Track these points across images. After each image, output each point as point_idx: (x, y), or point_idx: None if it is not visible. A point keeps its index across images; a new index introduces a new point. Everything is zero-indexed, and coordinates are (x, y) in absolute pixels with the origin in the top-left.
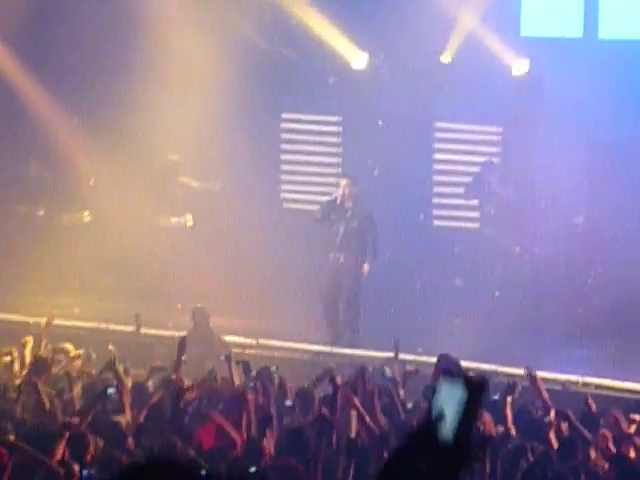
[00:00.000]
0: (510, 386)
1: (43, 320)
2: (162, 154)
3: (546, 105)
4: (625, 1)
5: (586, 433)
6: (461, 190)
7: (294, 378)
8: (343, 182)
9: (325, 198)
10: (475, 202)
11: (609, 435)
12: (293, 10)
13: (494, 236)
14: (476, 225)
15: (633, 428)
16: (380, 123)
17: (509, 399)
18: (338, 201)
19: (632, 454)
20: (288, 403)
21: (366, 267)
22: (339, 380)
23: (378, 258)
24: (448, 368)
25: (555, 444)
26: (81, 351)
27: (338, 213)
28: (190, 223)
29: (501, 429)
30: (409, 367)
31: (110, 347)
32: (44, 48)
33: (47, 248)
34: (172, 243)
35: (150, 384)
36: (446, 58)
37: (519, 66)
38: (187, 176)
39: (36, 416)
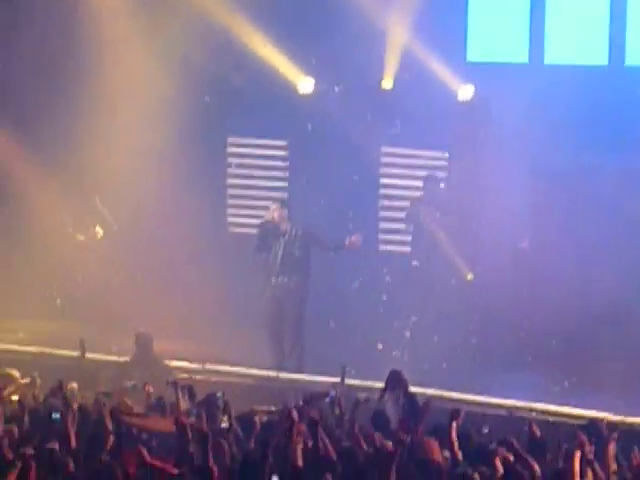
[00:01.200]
0: (454, 412)
1: None
2: (100, 177)
3: (491, 130)
4: (570, 27)
5: (530, 460)
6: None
7: (240, 403)
8: (272, 206)
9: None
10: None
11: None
12: (240, 35)
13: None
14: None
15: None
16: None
17: (454, 424)
18: (271, 225)
19: None
20: (225, 425)
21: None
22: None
23: (324, 282)
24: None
25: (501, 470)
26: (27, 379)
27: (274, 237)
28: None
29: (447, 454)
30: (360, 395)
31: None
32: None
33: None
34: (115, 266)
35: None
36: (388, 84)
37: (465, 91)
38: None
39: None
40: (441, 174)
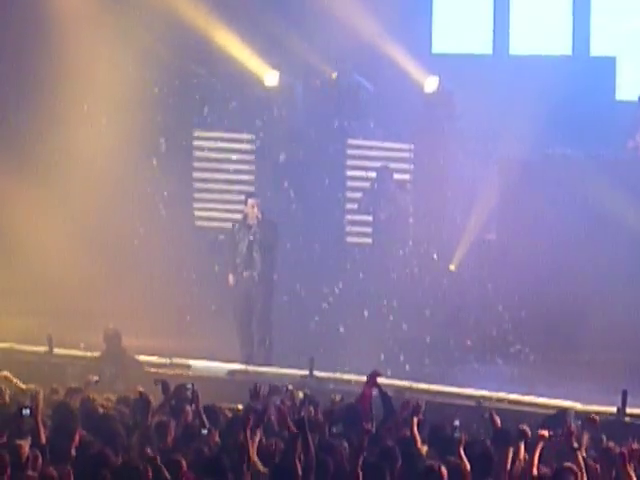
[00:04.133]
0: (415, 407)
1: None
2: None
3: (457, 121)
4: (535, 17)
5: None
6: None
7: (207, 397)
8: (250, 202)
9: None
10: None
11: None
12: (206, 28)
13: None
14: (391, 241)
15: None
16: None
17: (414, 419)
18: (243, 220)
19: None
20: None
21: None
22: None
23: (291, 274)
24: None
25: (466, 462)
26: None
27: (242, 231)
28: None
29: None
30: (335, 396)
31: None
32: None
33: None
34: (83, 262)
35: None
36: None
37: (430, 83)
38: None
39: None
40: (394, 166)
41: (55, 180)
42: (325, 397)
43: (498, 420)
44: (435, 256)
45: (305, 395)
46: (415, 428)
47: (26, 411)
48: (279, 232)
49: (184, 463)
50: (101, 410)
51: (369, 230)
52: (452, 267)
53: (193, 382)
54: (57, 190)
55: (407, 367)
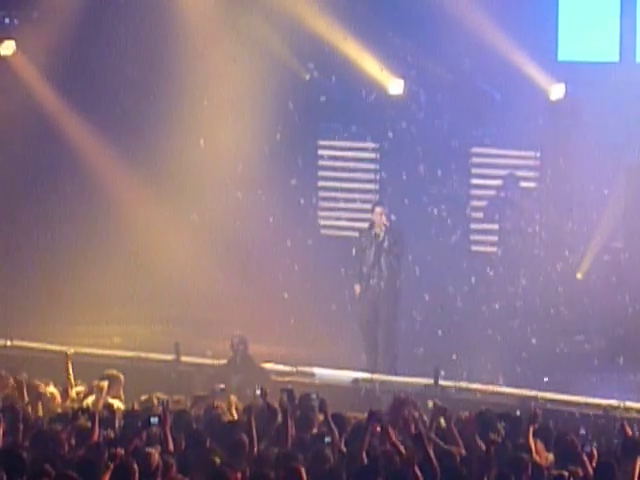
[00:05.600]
0: (533, 415)
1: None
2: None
3: (583, 129)
4: None
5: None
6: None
7: (333, 406)
8: (377, 210)
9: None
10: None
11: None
12: (328, 35)
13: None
14: (517, 250)
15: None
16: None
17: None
18: (369, 229)
19: None
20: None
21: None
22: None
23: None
24: None
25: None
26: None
27: (369, 240)
28: None
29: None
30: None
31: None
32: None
33: (85, 277)
34: (210, 269)
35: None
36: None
37: (556, 90)
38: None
39: (82, 446)
40: (520, 174)
41: (184, 189)
42: (450, 406)
43: (629, 429)
44: (560, 265)
45: (435, 405)
46: (531, 437)
47: (154, 419)
48: (406, 240)
49: (303, 470)
50: (226, 419)
51: (495, 239)
52: (579, 275)
53: (318, 390)
54: (186, 199)
55: (530, 376)
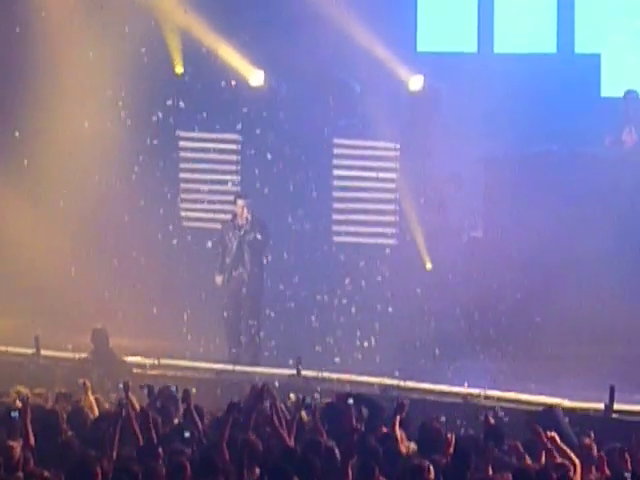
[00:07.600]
0: (399, 405)
1: None
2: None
3: (442, 120)
4: (519, 16)
5: None
6: (359, 206)
7: (194, 397)
8: (239, 202)
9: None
10: (375, 217)
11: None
12: (191, 29)
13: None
14: (376, 240)
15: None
16: None
17: (397, 417)
18: (232, 220)
19: None
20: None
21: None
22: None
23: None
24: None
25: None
26: None
27: (232, 231)
28: None
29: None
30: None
31: None
32: None
33: None
34: (70, 262)
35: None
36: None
37: (415, 81)
38: None
39: None
40: (380, 165)
41: (43, 179)
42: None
43: (491, 419)
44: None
45: (297, 398)
46: (397, 427)
47: (15, 413)
48: (269, 231)
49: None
50: (91, 415)
51: (357, 230)
52: (428, 265)
53: (179, 383)
54: (44, 189)
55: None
